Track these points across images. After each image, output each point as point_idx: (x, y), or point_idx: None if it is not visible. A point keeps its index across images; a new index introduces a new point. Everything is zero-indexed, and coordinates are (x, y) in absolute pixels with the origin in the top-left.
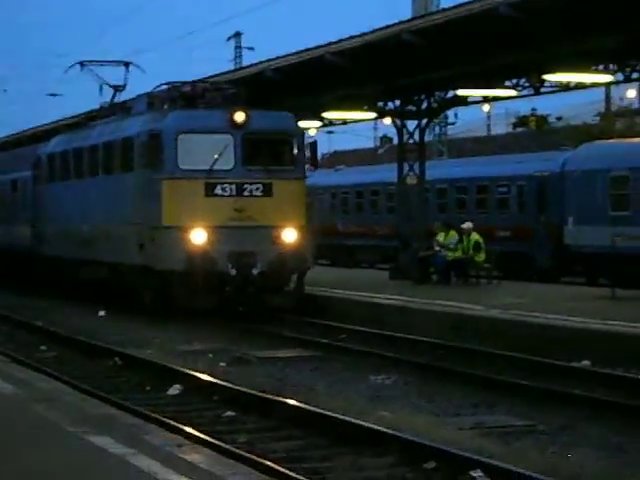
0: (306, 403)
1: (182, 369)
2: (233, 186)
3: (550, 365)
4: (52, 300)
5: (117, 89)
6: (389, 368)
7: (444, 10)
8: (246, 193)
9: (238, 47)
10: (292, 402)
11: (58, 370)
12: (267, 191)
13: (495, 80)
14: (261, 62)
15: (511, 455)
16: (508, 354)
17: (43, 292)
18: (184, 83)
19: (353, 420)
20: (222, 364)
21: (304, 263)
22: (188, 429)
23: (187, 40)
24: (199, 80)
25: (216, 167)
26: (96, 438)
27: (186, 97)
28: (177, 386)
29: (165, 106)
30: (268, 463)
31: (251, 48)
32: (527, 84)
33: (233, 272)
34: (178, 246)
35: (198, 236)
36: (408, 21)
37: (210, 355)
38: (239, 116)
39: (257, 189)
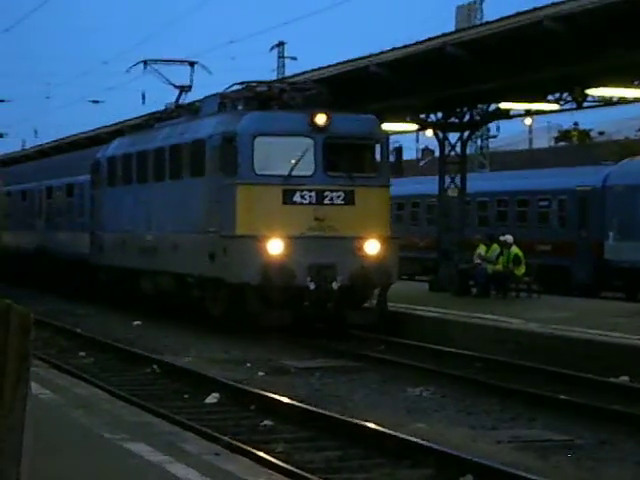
0: (343, 414)
1: (220, 378)
2: (313, 193)
3: (589, 380)
4: (91, 307)
5: (183, 89)
6: (427, 380)
7: (488, 23)
8: (327, 201)
9: (281, 57)
10: (329, 413)
11: (96, 377)
12: (349, 199)
13: (538, 94)
14: (304, 72)
15: (548, 469)
16: (547, 368)
17: (83, 299)
18: (260, 83)
19: (390, 431)
20: (260, 373)
21: (388, 277)
22: (225, 438)
23: (230, 48)
24: (275, 80)
25: (295, 173)
26: (133, 445)
27: (262, 98)
28: (215, 394)
29: (239, 107)
30: (305, 474)
31: (294, 58)
32: (570, 98)
33: (312, 286)
34: (253, 257)
35: (275, 247)
36: (451, 33)
37: (248, 364)
38: (320, 118)
39: (339, 197)
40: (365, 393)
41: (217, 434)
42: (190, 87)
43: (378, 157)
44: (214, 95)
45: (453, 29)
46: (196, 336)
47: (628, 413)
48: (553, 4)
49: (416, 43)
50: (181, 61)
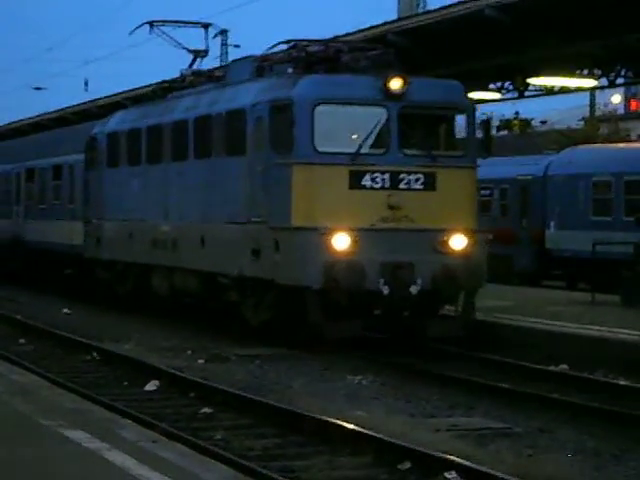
0: (282, 401)
1: (159, 365)
2: (386, 176)
3: (528, 368)
4: (33, 293)
5: (198, 54)
6: (366, 368)
7: (429, 12)
8: (402, 185)
9: (224, 44)
10: (268, 400)
11: (35, 364)
12: (430, 183)
13: (479, 83)
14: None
15: (487, 457)
16: (487, 357)
17: (25, 285)
18: (311, 41)
19: (329, 419)
20: (200, 361)
21: (477, 278)
22: (163, 425)
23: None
24: (329, 40)
25: (364, 150)
26: (70, 432)
27: (314, 60)
28: (154, 382)
29: (289, 70)
30: (243, 461)
31: (237, 46)
32: (511, 87)
33: (386, 290)
34: (312, 254)
35: (340, 241)
36: (393, 22)
37: (188, 352)
38: (396, 83)
39: (417, 180)
40: (305, 381)
41: (155, 421)
42: (206, 52)
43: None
44: (247, 58)
45: (396, 18)
46: (137, 323)
47: (566, 401)
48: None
49: (359, 31)
50: (193, 23)
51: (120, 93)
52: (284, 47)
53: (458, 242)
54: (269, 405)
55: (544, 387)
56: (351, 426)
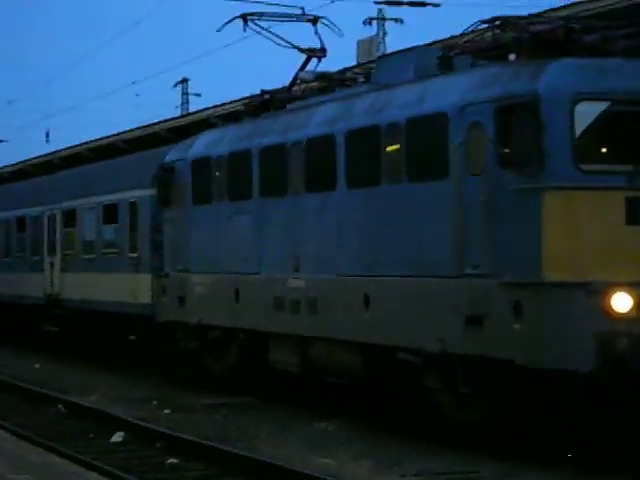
0: (249, 450)
1: (125, 416)
2: None
3: None
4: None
5: (314, 54)
6: (333, 415)
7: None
8: None
9: (185, 93)
10: (234, 450)
11: (1, 418)
12: None
13: None
14: (210, 108)
15: None
16: None
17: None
18: (520, 18)
19: (295, 468)
20: (166, 411)
21: None
22: (130, 477)
23: (134, 87)
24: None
25: None
26: None
27: (543, 42)
28: (120, 433)
29: (511, 57)
30: None
31: (198, 94)
32: None
33: None
34: (580, 322)
35: (622, 302)
36: (353, 67)
37: (154, 402)
38: None
39: None
40: (271, 429)
41: (122, 473)
42: (324, 51)
43: None
44: (410, 50)
45: (355, 64)
46: (102, 374)
47: (530, 444)
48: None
49: (243, 98)
50: (297, 15)
51: (82, 144)
52: (484, 26)
53: None
54: (235, 454)
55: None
56: (316, 474)
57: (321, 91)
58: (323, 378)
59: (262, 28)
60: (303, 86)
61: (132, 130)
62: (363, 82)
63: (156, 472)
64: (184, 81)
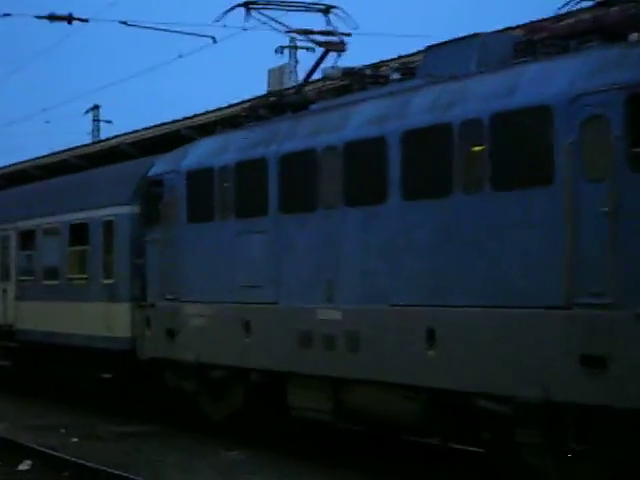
0: (156, 478)
1: (33, 444)
2: None
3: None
4: None
5: (332, 48)
6: (243, 443)
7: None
8: None
9: (96, 120)
10: (139, 479)
11: None
12: None
13: None
14: (119, 135)
15: None
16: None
17: None
18: None
19: None
20: (74, 439)
21: None
22: None
23: (45, 114)
24: None
25: None
26: None
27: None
28: (27, 462)
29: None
30: None
31: (109, 121)
32: None
33: None
34: None
35: None
36: (262, 97)
37: (62, 430)
38: None
39: None
40: (179, 457)
41: None
42: (343, 45)
43: None
44: (469, 38)
45: (265, 92)
46: (11, 402)
47: None
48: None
49: (229, 106)
50: (306, 5)
51: (26, 161)
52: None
53: None
54: None
55: None
56: None
57: (346, 89)
58: (361, 427)
59: (268, 18)
60: (319, 85)
61: (44, 157)
62: (400, 79)
63: None
64: (95, 108)
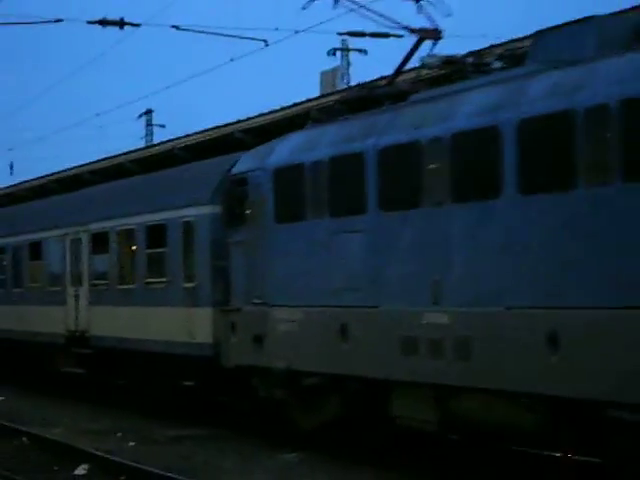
0: None
1: (89, 449)
2: None
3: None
4: None
5: (427, 35)
6: (300, 446)
7: (349, 88)
8: None
9: (149, 124)
10: None
11: None
12: None
13: None
14: (173, 139)
15: None
16: None
17: None
18: None
19: None
20: (131, 443)
21: None
22: None
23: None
24: None
25: None
26: None
27: None
28: (84, 466)
29: None
30: None
31: (162, 125)
32: None
33: None
34: None
35: None
36: (316, 99)
37: (119, 434)
38: None
39: None
40: (237, 460)
41: None
42: (439, 32)
43: None
44: (583, 21)
45: (318, 94)
46: (68, 406)
47: None
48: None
49: (282, 109)
50: None
51: (47, 175)
52: None
53: None
54: None
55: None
56: None
57: (445, 79)
58: (467, 437)
59: (357, 5)
60: (412, 75)
61: (98, 161)
62: (504, 67)
63: None
64: (148, 112)
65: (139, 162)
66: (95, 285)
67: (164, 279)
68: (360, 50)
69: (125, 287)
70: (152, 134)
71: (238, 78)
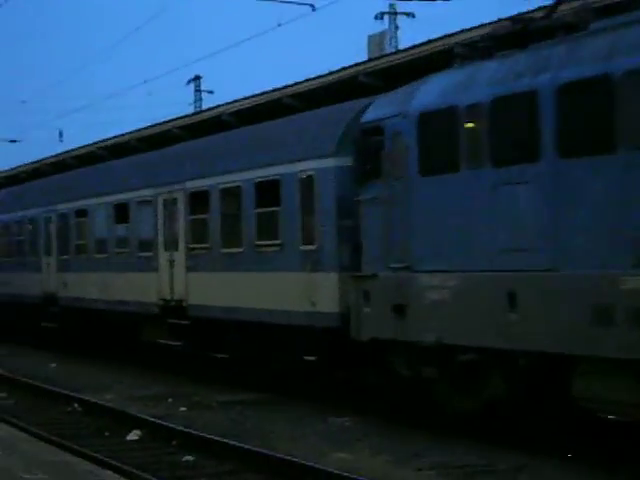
0: (265, 447)
1: (141, 414)
2: None
3: None
4: (14, 346)
5: None
6: (349, 411)
7: (399, 51)
8: None
9: (198, 90)
10: (250, 446)
11: (17, 417)
12: None
13: None
14: (221, 105)
15: None
16: None
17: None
18: None
19: (311, 464)
20: (182, 409)
21: None
22: (146, 475)
23: (146, 85)
24: None
25: None
26: None
27: None
28: (136, 431)
29: None
30: None
31: (211, 92)
32: None
33: None
34: None
35: None
36: (364, 63)
37: (170, 400)
38: None
39: None
40: (287, 425)
41: (137, 471)
42: None
43: None
44: None
45: (366, 59)
46: (118, 373)
47: (545, 437)
48: (462, 31)
49: (330, 73)
50: None
51: (96, 143)
52: None
53: None
54: (251, 451)
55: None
56: (330, 469)
57: (611, 9)
58: None
59: None
60: (574, 5)
61: (145, 128)
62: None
63: (172, 470)
64: (197, 78)
65: (187, 128)
66: (193, 249)
67: (278, 241)
68: (407, 14)
69: (230, 251)
70: (201, 100)
71: (286, 43)
